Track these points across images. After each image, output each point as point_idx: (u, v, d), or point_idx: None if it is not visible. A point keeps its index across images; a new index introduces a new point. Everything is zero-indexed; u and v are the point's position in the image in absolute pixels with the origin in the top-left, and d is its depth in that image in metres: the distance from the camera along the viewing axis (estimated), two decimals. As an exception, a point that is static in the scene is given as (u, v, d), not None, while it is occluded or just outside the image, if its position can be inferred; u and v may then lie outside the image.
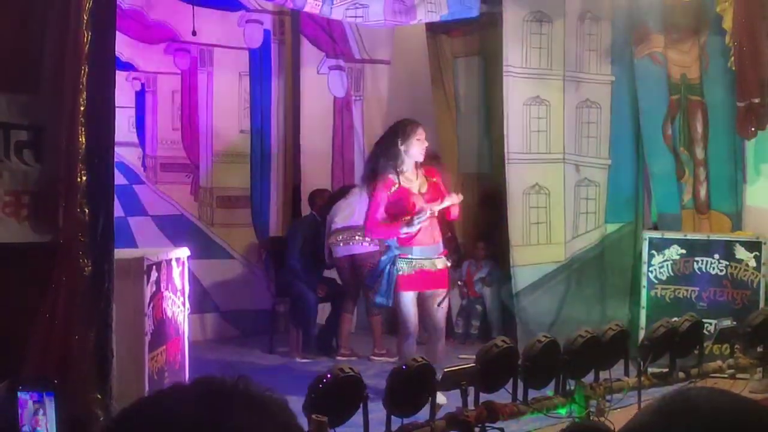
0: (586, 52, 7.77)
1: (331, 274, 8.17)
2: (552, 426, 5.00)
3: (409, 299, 5.98)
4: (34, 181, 4.14)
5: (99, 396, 3.97)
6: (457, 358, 6.78)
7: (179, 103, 8.73)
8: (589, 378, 5.05)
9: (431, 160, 6.51)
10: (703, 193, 7.41)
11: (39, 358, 3.92)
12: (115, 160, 4.50)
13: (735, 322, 6.03)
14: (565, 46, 7.76)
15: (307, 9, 7.16)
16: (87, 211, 4.02)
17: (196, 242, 7.93)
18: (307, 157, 9.11)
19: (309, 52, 9.09)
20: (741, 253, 6.98)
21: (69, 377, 3.86)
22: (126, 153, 8.14)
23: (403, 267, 5.94)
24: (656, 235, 7.31)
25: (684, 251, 7.12)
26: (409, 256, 5.97)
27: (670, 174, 7.48)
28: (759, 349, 5.94)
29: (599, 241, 7.82)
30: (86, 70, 4.00)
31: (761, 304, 6.81)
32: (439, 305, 6.04)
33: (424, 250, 6.01)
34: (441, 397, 5.06)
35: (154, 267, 5.07)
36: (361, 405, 4.06)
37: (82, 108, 3.99)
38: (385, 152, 6.05)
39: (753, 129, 6.87)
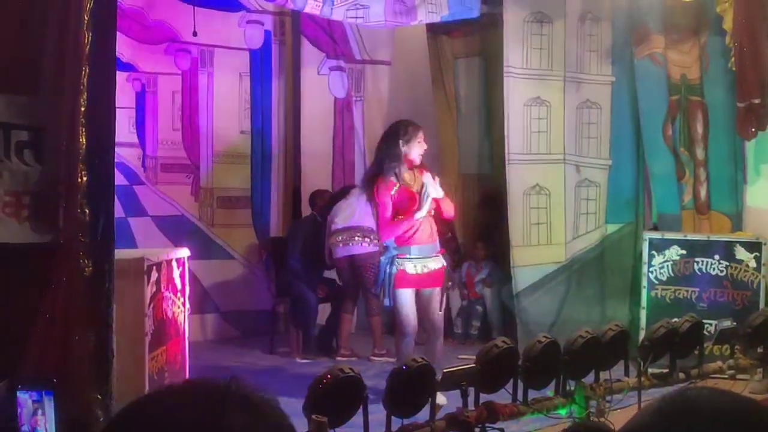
0: (587, 52, 7.78)
1: (331, 274, 8.17)
2: (552, 426, 5.00)
3: (407, 298, 6.00)
4: (35, 181, 4.14)
5: (99, 396, 3.97)
6: (456, 359, 6.78)
7: (180, 104, 8.73)
8: (589, 378, 5.05)
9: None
10: (703, 193, 7.41)
11: (39, 357, 3.92)
12: (116, 160, 4.50)
13: (735, 323, 6.02)
14: (565, 46, 7.76)
15: (307, 10, 7.16)
16: (87, 211, 4.02)
17: (196, 243, 7.94)
18: (307, 157, 9.11)
19: (309, 52, 9.09)
20: (741, 253, 6.98)
21: (69, 377, 3.86)
22: (126, 153, 8.15)
23: (400, 265, 5.97)
24: (656, 235, 7.30)
25: (684, 252, 7.12)
26: (408, 256, 6.01)
27: (671, 174, 7.48)
28: (759, 350, 5.93)
29: (599, 241, 7.82)
30: (87, 70, 4.00)
31: (761, 305, 6.81)
32: (440, 309, 6.09)
33: (422, 249, 6.05)
34: (441, 398, 5.06)
35: (154, 267, 5.08)
36: (361, 405, 4.06)
37: (82, 108, 4.00)
38: (388, 154, 6.08)
39: (753, 129, 6.86)
